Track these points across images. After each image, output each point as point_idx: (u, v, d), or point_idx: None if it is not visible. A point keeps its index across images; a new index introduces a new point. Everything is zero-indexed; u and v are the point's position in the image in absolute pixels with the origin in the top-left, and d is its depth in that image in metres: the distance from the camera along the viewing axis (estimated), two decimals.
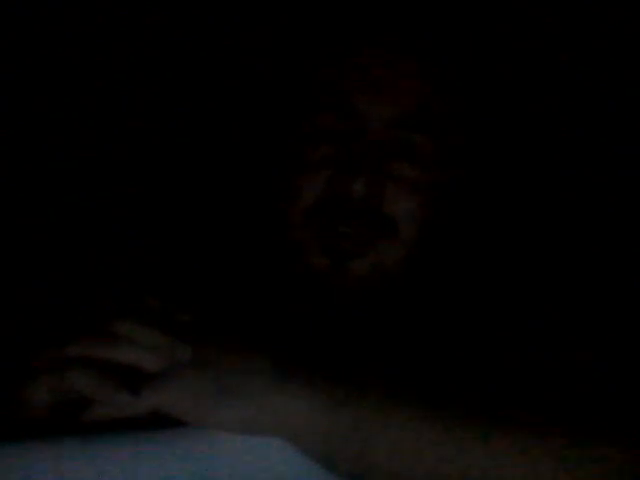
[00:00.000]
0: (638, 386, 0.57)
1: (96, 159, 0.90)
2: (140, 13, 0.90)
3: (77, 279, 0.83)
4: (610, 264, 0.83)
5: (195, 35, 0.90)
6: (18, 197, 0.88)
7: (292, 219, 0.69)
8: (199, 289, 0.74)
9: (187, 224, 0.89)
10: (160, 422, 0.48)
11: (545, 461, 0.47)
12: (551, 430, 0.48)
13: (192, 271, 0.82)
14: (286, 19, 0.78)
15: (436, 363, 0.62)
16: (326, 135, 0.69)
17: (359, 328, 0.68)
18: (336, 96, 0.69)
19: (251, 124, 0.79)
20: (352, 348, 0.65)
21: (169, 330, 0.50)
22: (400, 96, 0.68)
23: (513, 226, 0.84)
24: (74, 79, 0.89)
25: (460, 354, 0.64)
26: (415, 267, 0.70)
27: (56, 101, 0.89)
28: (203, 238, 0.86)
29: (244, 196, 0.82)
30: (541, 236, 0.85)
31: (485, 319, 0.67)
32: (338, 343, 0.66)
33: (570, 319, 0.66)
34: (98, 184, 0.90)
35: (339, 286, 0.68)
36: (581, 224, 0.87)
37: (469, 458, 0.47)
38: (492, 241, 0.79)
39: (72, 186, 0.89)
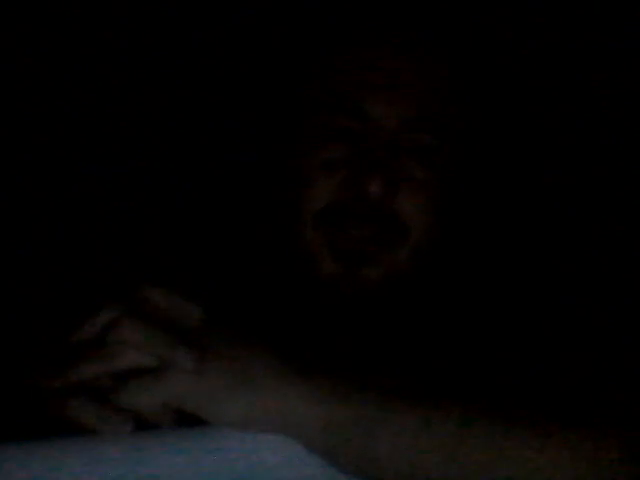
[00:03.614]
0: (638, 386, 0.57)
1: (100, 158, 0.90)
2: (140, 16, 0.90)
3: (79, 280, 0.82)
4: (610, 264, 0.83)
5: (199, 37, 0.90)
6: (18, 197, 0.88)
7: (303, 222, 0.68)
8: (207, 287, 0.74)
9: (197, 225, 0.89)
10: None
11: (544, 460, 0.47)
12: (552, 430, 0.48)
13: (201, 270, 0.81)
14: (296, 21, 0.78)
15: (440, 360, 0.62)
16: (338, 136, 0.68)
17: (364, 326, 0.68)
18: (347, 98, 0.68)
19: (263, 125, 0.78)
20: (355, 344, 0.65)
21: (173, 332, 0.50)
22: (412, 98, 0.68)
23: (523, 228, 0.84)
24: (74, 79, 0.89)
25: (463, 352, 0.64)
26: (426, 270, 0.69)
27: (56, 101, 0.89)
28: (213, 238, 0.86)
29: (255, 198, 0.81)
30: (551, 238, 0.85)
31: (490, 320, 0.67)
32: (341, 339, 0.66)
33: (572, 320, 0.66)
34: (103, 184, 0.90)
35: (350, 291, 0.67)
36: (586, 225, 0.87)
37: (469, 453, 0.47)
38: (502, 243, 0.79)
39: (74, 186, 0.89)
